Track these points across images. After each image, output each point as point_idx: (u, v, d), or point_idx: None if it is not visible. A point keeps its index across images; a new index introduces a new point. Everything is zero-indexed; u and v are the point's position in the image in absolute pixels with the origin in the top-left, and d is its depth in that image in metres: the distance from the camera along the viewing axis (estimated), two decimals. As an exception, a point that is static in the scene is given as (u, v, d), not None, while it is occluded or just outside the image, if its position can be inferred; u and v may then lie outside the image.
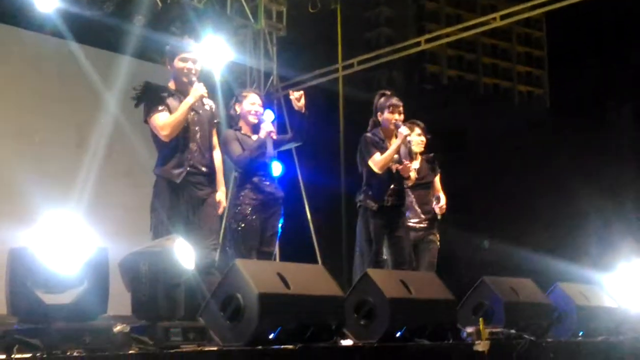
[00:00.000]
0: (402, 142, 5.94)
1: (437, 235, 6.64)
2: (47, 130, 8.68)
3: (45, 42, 8.85)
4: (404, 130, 5.94)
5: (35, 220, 3.59)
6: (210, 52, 9.59)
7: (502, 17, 10.70)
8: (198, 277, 4.23)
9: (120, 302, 3.89)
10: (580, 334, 6.03)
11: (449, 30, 11.92)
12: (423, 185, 6.58)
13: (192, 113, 5.04)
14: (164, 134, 4.95)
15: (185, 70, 5.05)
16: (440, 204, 6.53)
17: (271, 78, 11.13)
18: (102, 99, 8.87)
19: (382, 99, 6.10)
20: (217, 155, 5.39)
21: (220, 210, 5.28)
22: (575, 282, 6.65)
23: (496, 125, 31.52)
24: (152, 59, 9.37)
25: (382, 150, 5.97)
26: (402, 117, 6.05)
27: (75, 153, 8.67)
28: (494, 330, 5.04)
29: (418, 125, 6.65)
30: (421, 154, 6.66)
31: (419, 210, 6.52)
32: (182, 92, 5.08)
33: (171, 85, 5.15)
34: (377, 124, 6.12)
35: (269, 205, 5.78)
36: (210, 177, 5.17)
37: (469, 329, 4.97)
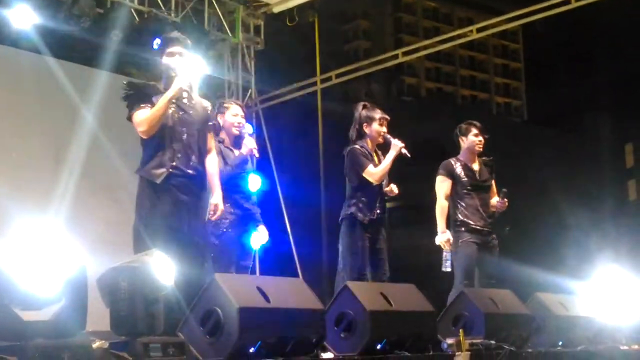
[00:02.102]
0: (397, 154, 5.92)
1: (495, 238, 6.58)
2: (25, 145, 8.60)
3: (22, 57, 8.80)
4: (397, 142, 5.91)
5: (11, 236, 3.57)
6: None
7: (479, 30, 10.81)
8: (177, 292, 4.20)
9: (98, 318, 3.87)
10: (560, 343, 6.06)
11: (426, 42, 11.97)
12: (486, 188, 6.54)
13: (180, 112, 4.74)
14: (140, 130, 4.67)
15: (172, 65, 4.77)
16: (505, 198, 6.49)
17: (249, 91, 11.14)
18: (79, 114, 8.82)
19: (365, 110, 6.05)
20: (212, 159, 5.01)
21: (216, 216, 5.02)
22: (553, 292, 6.69)
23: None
24: (129, 73, 9.35)
25: (371, 162, 5.95)
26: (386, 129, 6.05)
27: (53, 168, 8.60)
28: (474, 341, 5.06)
29: (475, 126, 6.52)
30: (478, 155, 6.57)
31: (483, 213, 6.45)
32: None
33: (160, 85, 4.83)
34: (362, 135, 6.05)
35: (246, 220, 5.82)
36: (197, 180, 4.79)
37: (450, 341, 4.99)
